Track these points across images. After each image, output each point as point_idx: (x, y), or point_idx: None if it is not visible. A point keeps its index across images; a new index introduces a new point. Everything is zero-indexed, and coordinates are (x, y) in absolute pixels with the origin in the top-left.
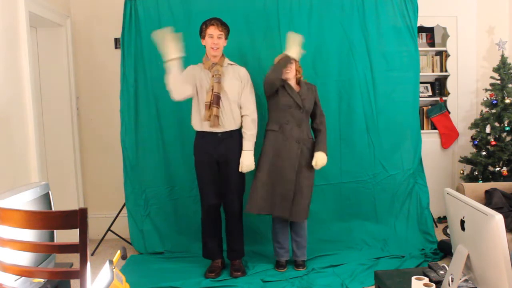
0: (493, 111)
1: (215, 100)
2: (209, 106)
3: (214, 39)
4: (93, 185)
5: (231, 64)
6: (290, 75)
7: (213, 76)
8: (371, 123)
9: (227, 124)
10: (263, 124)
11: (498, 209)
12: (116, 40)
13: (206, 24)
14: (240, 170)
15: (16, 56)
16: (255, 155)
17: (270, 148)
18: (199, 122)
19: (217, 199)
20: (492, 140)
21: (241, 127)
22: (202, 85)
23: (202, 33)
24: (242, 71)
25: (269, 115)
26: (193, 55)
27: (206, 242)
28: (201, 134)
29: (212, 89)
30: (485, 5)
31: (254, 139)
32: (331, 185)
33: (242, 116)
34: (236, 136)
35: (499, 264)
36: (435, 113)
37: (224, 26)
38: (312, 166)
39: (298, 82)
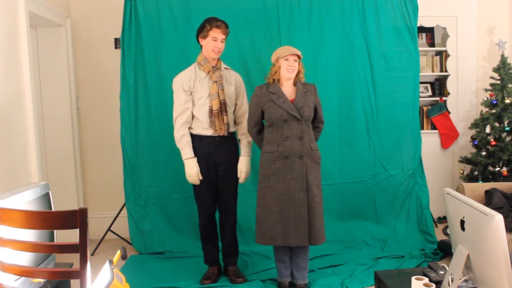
0: (493, 111)
1: (224, 108)
2: (218, 114)
3: (218, 42)
4: (93, 185)
5: (226, 69)
6: (293, 74)
7: (216, 82)
8: (371, 123)
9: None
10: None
11: (498, 209)
12: (116, 40)
13: (210, 24)
14: (239, 176)
15: (16, 56)
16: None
17: (270, 172)
18: (197, 126)
19: (214, 207)
20: (492, 140)
21: (234, 131)
22: (200, 88)
23: (203, 33)
24: (238, 77)
25: (264, 135)
26: (193, 55)
27: (206, 248)
28: (198, 138)
29: (219, 96)
30: (485, 5)
31: (251, 145)
32: (332, 186)
33: (238, 122)
34: (232, 139)
35: (499, 264)
36: (435, 113)
37: (228, 30)
38: (319, 181)
39: (295, 83)
